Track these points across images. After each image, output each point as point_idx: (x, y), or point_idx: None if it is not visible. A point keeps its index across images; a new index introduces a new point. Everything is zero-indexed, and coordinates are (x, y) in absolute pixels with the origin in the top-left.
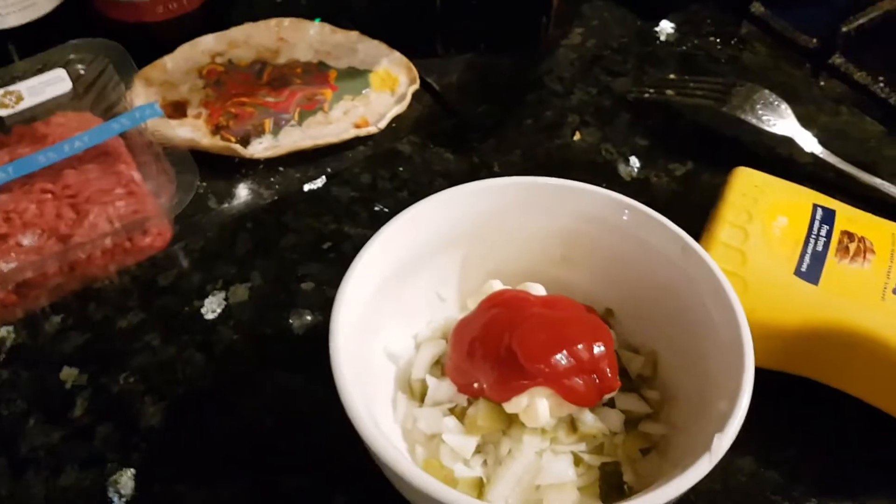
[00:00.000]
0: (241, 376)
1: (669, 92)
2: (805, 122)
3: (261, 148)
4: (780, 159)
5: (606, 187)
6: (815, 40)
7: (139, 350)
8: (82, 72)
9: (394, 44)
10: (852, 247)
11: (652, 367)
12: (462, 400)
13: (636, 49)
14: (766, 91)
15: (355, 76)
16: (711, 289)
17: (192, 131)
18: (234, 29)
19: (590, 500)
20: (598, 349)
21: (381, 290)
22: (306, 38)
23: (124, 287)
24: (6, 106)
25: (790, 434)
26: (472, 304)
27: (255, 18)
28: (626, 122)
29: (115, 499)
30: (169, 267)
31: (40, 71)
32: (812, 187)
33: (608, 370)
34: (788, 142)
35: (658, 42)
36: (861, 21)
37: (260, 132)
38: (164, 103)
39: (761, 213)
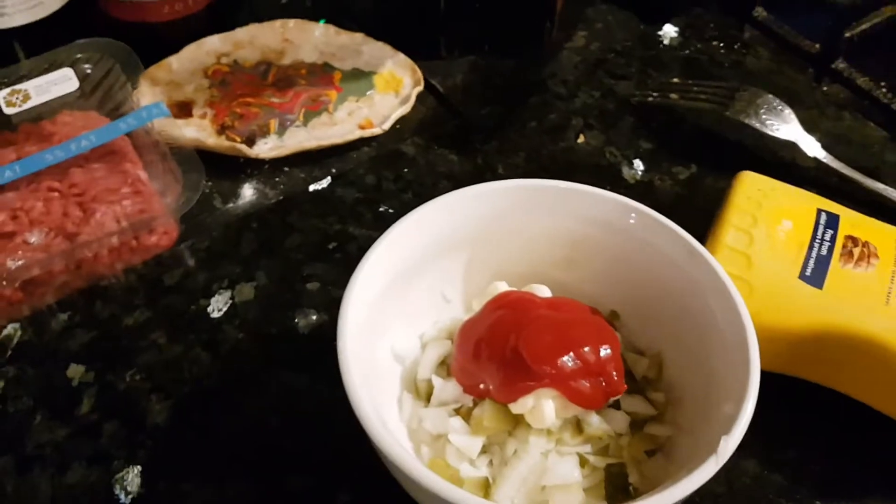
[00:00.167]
0: (247, 375)
1: (673, 96)
2: (808, 126)
3: (266, 148)
4: (783, 164)
5: (610, 190)
6: (817, 45)
7: (145, 348)
8: (89, 71)
9: (398, 45)
10: (856, 251)
11: (657, 370)
12: (468, 400)
13: (639, 53)
14: (770, 95)
15: (360, 77)
16: (717, 292)
17: (197, 131)
18: (240, 30)
19: (595, 501)
20: (604, 352)
21: (387, 291)
22: (311, 39)
23: (130, 285)
24: (13, 104)
25: (794, 437)
26: (478, 306)
27: (260, 19)
28: (629, 125)
29: (122, 496)
30: (175, 266)
31: (47, 70)
32: (815, 192)
33: (614, 373)
34: (791, 146)
35: (661, 46)
36: (864, 27)
37: (265, 132)
38: (170, 103)
39: (766, 218)
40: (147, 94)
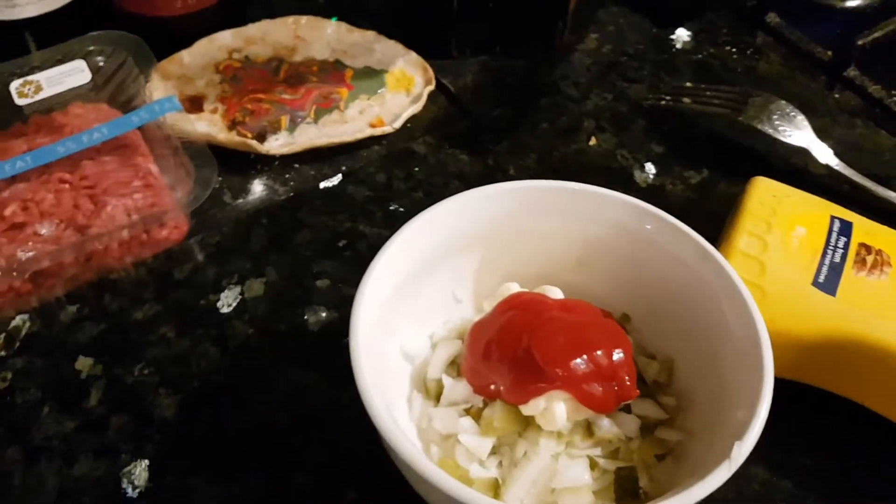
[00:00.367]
0: (256, 371)
1: (686, 100)
2: (820, 133)
3: (277, 144)
4: (795, 170)
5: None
6: (829, 53)
7: (154, 342)
8: (102, 64)
9: (410, 44)
10: (869, 259)
11: (668, 374)
12: (478, 401)
13: (652, 56)
14: (783, 101)
15: (371, 76)
16: (730, 297)
17: (208, 126)
18: (252, 25)
19: None
20: (617, 356)
21: (399, 290)
22: (323, 36)
23: (140, 279)
24: (25, 95)
25: (803, 443)
26: (488, 306)
27: (272, 16)
28: (641, 128)
29: (129, 490)
30: (185, 260)
31: (60, 61)
32: (826, 199)
33: (627, 378)
34: (803, 153)
35: (674, 50)
36: (876, 35)
37: (276, 129)
38: (181, 98)
39: (780, 224)
40: (158, 87)
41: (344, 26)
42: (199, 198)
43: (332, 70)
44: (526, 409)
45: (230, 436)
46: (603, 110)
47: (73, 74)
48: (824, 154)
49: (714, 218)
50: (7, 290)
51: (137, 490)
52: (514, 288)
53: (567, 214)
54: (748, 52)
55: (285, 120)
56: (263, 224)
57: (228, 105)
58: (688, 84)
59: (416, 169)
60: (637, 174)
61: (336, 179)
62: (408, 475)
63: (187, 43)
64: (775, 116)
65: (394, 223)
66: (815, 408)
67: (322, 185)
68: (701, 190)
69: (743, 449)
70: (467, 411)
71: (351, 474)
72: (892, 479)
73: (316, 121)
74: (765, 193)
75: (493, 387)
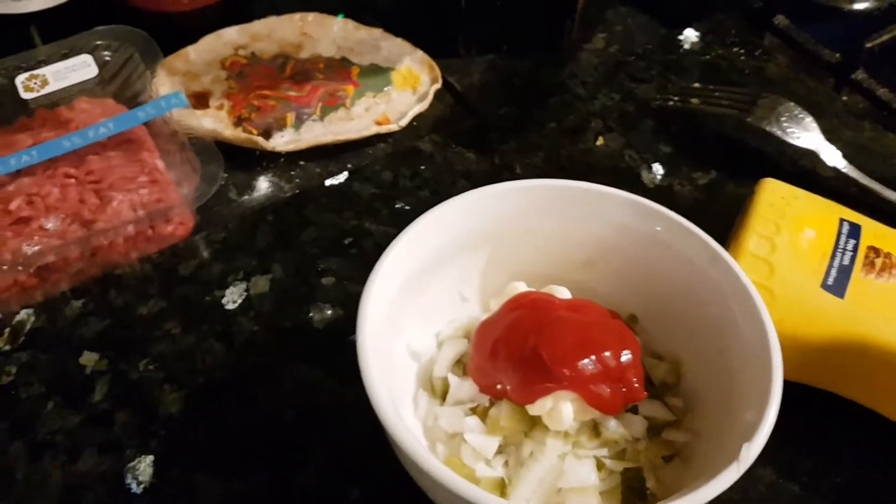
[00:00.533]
0: (261, 368)
1: (694, 100)
2: (828, 136)
3: (282, 141)
4: (803, 172)
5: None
6: (837, 55)
7: (159, 338)
8: (108, 58)
9: (417, 42)
10: (878, 262)
11: (676, 375)
12: (484, 400)
13: (659, 56)
14: (791, 103)
15: (378, 73)
16: (739, 298)
17: (214, 122)
18: (258, 22)
19: None
20: (625, 357)
21: (405, 288)
22: (330, 33)
23: (145, 274)
24: (31, 89)
25: (811, 446)
26: (495, 305)
27: (278, 12)
28: (649, 128)
29: (133, 485)
30: (190, 256)
31: (66, 56)
32: (834, 201)
33: (635, 380)
34: (811, 155)
35: (682, 50)
36: (884, 38)
37: (282, 125)
38: (187, 94)
39: (789, 226)
40: (164, 83)
41: (350, 23)
42: (204, 194)
43: (339, 67)
44: (532, 409)
45: (235, 432)
46: (610, 110)
47: (79, 69)
48: (833, 156)
49: (722, 219)
50: (12, 285)
51: (142, 486)
52: (521, 287)
53: (574, 214)
54: (756, 53)
55: (291, 117)
56: (269, 221)
57: (234, 101)
58: (696, 85)
59: (423, 167)
60: (644, 174)
61: (342, 177)
62: (413, 473)
63: (193, 39)
64: (784, 118)
65: (400, 221)
66: (823, 411)
67: (328, 182)
68: (709, 191)
69: (752, 451)
70: (473, 410)
71: (355, 472)
72: None
73: (322, 118)
74: (773, 195)
75: (499, 386)
